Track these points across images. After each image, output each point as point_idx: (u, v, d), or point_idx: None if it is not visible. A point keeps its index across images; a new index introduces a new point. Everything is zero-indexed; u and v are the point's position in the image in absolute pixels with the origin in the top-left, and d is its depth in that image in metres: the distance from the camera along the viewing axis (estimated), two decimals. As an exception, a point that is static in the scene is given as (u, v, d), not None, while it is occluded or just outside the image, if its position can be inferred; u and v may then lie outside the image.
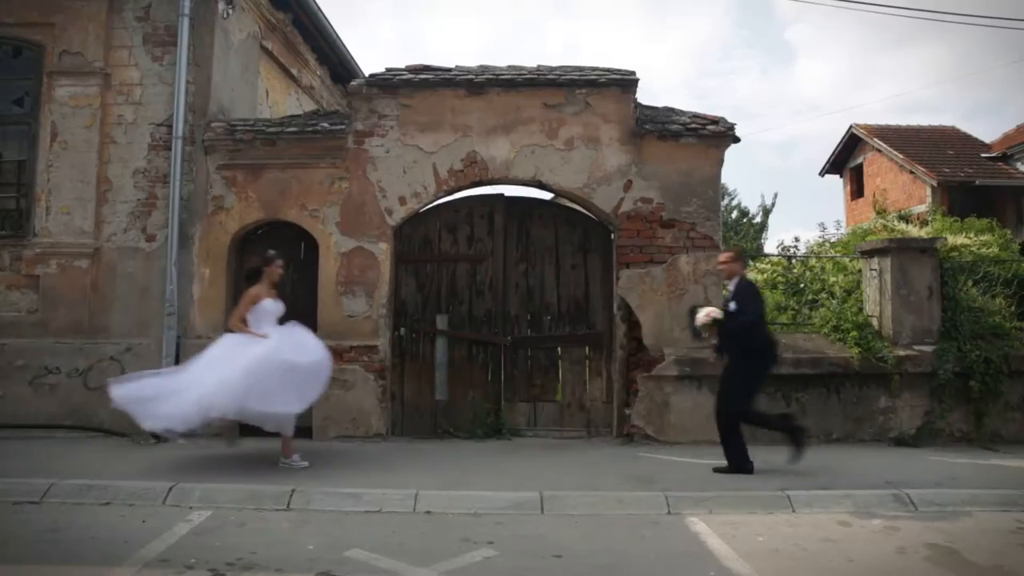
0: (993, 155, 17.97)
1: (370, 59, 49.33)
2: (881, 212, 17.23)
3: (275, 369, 5.82)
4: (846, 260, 9.44)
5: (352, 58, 11.13)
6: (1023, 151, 17.34)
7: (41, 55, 7.85)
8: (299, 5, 9.32)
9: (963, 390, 7.25)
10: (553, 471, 5.99)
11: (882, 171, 19.55)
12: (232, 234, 7.57)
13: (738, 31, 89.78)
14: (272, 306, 6.27)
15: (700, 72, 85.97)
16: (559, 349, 7.76)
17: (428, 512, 5.13)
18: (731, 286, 6.24)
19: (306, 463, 6.07)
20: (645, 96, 7.81)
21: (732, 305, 6.06)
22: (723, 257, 6.37)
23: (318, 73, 10.95)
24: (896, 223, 13.00)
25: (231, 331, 6.22)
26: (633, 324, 7.42)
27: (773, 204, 25.91)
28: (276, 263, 6.40)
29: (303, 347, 6.17)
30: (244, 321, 6.13)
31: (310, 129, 7.52)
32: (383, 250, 7.49)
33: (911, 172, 17.88)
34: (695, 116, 7.60)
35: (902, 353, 7.32)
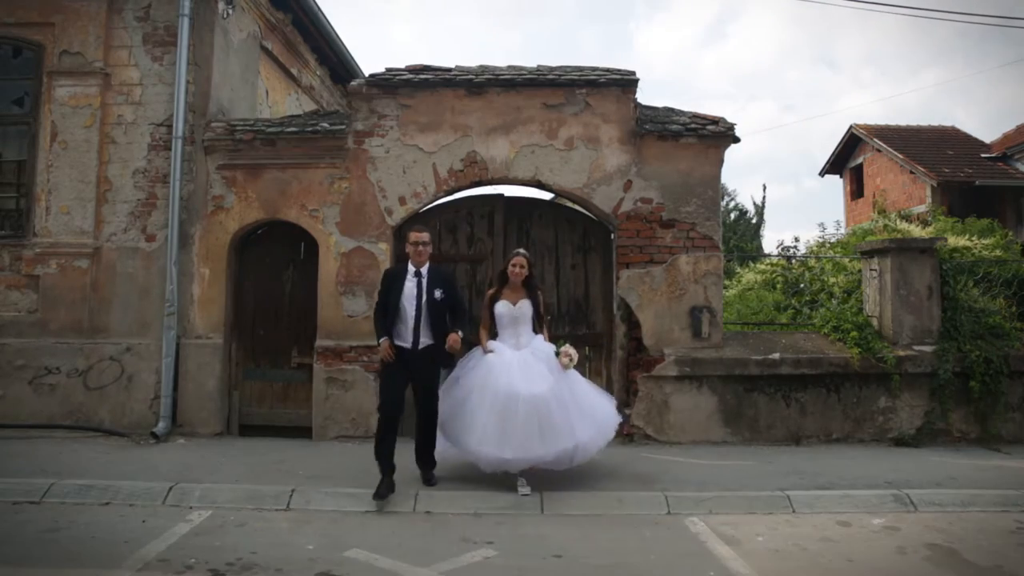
0: (993, 155, 17.98)
1: (385, 61, 49.19)
2: (882, 212, 17.26)
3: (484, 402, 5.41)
4: (846, 260, 9.45)
5: (352, 58, 11.13)
6: (1023, 151, 17.35)
7: (41, 55, 7.85)
8: (299, 5, 9.32)
9: (963, 390, 7.25)
10: (553, 471, 5.99)
11: (882, 171, 19.56)
12: (232, 234, 7.56)
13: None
14: (504, 308, 5.76)
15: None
16: (559, 349, 7.75)
17: (428, 512, 5.13)
18: (423, 270, 5.61)
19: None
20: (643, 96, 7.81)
21: (439, 293, 5.58)
22: (427, 236, 5.71)
23: (318, 73, 10.96)
24: (899, 222, 12.98)
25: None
26: (633, 324, 7.42)
27: (764, 198, 26.03)
28: (513, 259, 5.82)
29: (528, 371, 5.46)
30: (485, 327, 5.81)
31: (310, 129, 7.52)
32: (383, 250, 7.49)
33: (911, 172, 17.88)
34: (695, 116, 7.60)
35: (902, 353, 7.32)
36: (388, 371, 5.51)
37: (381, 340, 5.50)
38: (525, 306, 5.73)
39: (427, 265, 5.63)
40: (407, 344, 5.48)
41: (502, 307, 5.74)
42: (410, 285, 5.52)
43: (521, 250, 5.92)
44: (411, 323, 5.48)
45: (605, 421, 5.64)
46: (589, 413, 5.52)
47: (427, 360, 5.52)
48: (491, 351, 5.59)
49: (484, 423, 5.26)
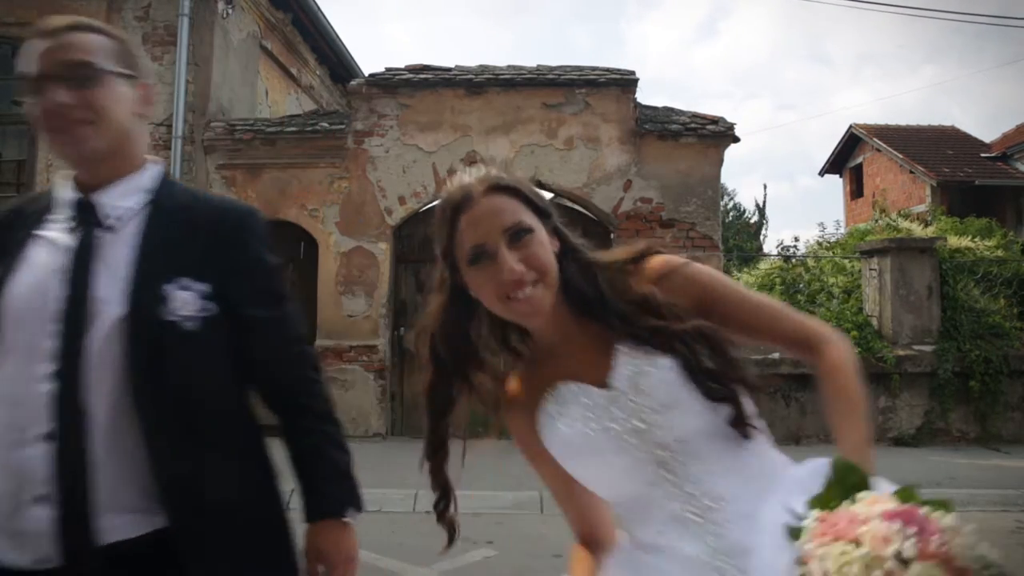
0: (992, 155, 17.96)
1: (381, 59, 49.26)
2: (883, 211, 17.23)
3: None
4: (845, 260, 9.44)
5: (352, 57, 11.13)
6: (1022, 151, 17.34)
7: (41, 55, 7.84)
8: (299, 5, 9.32)
9: (963, 390, 7.25)
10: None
11: (881, 171, 19.55)
12: (232, 234, 7.56)
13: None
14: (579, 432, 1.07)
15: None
16: (559, 349, 7.75)
17: (428, 512, 5.04)
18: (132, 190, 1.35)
19: None
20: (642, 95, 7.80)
21: (185, 295, 1.23)
22: None
23: (318, 73, 10.95)
24: (902, 221, 12.92)
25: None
26: (633, 324, 7.41)
27: (764, 198, 26.12)
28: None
29: None
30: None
31: (310, 129, 7.52)
32: (383, 250, 7.49)
33: (911, 172, 17.87)
34: (695, 116, 7.60)
35: (902, 353, 7.32)
36: None
37: None
38: (664, 383, 1.04)
39: (156, 170, 1.28)
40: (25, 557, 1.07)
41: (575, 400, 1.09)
42: (49, 259, 1.13)
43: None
44: (38, 443, 1.07)
45: None
46: None
47: None
48: None
49: None
